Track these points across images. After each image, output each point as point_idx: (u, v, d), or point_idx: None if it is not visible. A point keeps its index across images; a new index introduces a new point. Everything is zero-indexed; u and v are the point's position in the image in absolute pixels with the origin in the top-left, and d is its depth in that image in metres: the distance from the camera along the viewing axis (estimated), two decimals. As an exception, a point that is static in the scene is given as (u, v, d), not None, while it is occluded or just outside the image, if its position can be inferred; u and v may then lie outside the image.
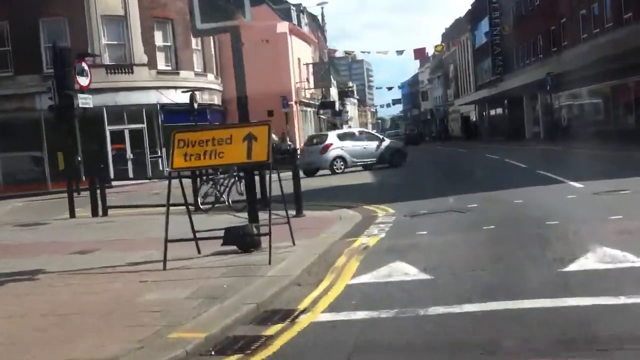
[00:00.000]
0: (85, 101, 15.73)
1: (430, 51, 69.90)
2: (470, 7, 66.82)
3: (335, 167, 25.38)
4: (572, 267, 6.28)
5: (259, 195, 11.13)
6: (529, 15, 46.79)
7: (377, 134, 31.46)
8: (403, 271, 6.63)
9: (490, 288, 5.82)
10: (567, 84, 35.69)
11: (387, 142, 27.78)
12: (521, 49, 49.37)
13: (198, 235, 8.41)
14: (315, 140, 27.90)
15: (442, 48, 64.78)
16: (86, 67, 16.19)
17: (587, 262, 6.38)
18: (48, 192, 27.01)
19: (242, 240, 8.29)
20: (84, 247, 9.90)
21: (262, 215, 8.89)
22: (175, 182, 8.60)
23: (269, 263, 7.32)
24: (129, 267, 7.95)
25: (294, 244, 8.51)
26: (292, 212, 12.26)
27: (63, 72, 15.79)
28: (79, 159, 27.80)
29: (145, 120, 30.81)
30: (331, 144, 25.73)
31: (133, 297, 6.22)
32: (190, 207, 15.67)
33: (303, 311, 5.59)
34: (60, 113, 15.79)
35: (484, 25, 58.02)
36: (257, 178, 10.92)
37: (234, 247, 8.40)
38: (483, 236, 8.28)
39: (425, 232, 9.06)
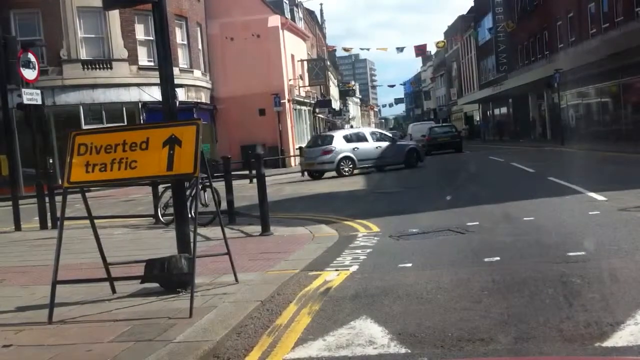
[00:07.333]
0: (31, 97, 13.75)
1: (431, 48, 68.10)
2: (472, 3, 64.80)
3: (342, 169, 23.83)
4: (617, 339, 4.17)
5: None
6: (534, 10, 44.92)
7: (388, 133, 30.50)
8: (368, 337, 4.59)
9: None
10: (575, 81, 34.01)
11: (400, 142, 27.28)
12: (526, 45, 47.52)
13: (129, 259, 6.87)
14: (319, 141, 26.04)
15: (444, 45, 62.87)
16: (33, 59, 14.18)
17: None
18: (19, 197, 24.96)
19: (167, 277, 6.27)
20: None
21: (220, 233, 6.91)
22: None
23: (190, 316, 5.32)
24: (9, 314, 5.94)
25: (236, 281, 6.52)
26: (258, 229, 10.50)
27: (7, 64, 13.97)
28: (51, 161, 25.89)
29: (125, 119, 28.82)
30: (336, 146, 24.12)
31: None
32: (149, 218, 14.25)
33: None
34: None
35: (487, 21, 56.07)
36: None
37: (158, 285, 6.41)
38: (485, 274, 6.19)
39: (409, 265, 6.98)
